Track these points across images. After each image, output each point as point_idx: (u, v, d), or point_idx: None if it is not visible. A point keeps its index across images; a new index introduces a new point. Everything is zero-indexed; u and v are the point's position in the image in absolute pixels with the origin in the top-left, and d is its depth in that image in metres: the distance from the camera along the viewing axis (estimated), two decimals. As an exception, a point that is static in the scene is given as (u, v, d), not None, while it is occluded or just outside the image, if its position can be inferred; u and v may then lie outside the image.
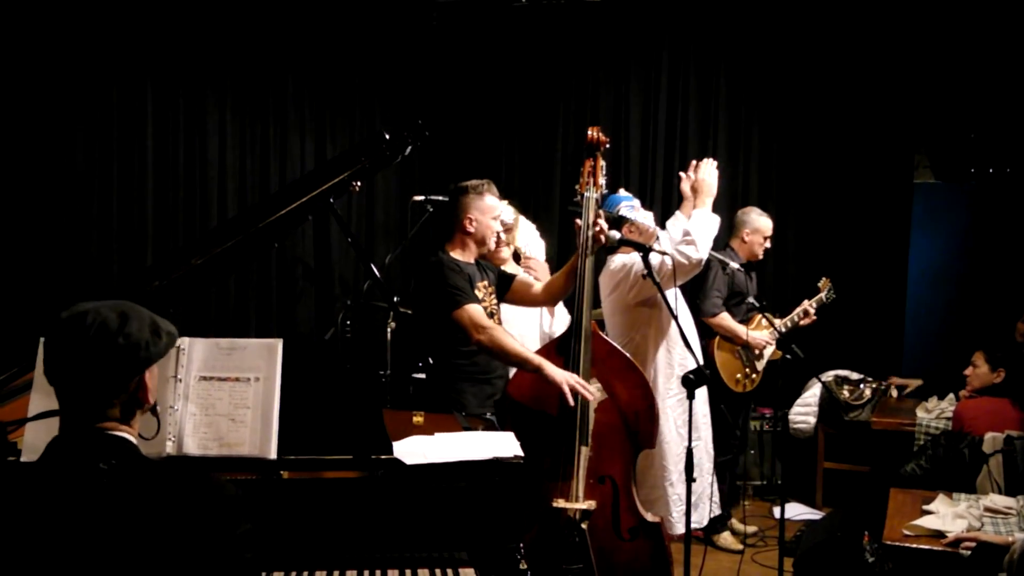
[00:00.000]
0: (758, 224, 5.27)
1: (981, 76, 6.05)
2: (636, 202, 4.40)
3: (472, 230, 3.73)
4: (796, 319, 5.34)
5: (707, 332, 5.10)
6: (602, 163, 3.75)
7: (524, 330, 4.51)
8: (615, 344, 3.76)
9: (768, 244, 5.31)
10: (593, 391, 3.43)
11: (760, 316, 5.20)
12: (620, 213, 4.25)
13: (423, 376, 5.18)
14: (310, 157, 6.08)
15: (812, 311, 5.39)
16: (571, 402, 3.36)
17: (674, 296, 4.01)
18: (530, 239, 4.96)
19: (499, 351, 3.51)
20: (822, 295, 5.52)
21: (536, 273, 4.68)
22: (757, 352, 5.20)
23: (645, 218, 4.34)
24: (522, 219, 4.95)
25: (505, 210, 4.62)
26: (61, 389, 1.75)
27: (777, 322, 5.16)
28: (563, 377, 3.37)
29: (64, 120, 4.64)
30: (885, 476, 4.93)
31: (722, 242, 5.13)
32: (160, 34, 5.07)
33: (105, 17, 4.75)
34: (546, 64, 6.80)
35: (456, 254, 3.74)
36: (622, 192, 4.49)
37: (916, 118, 6.21)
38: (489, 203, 3.75)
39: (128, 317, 1.74)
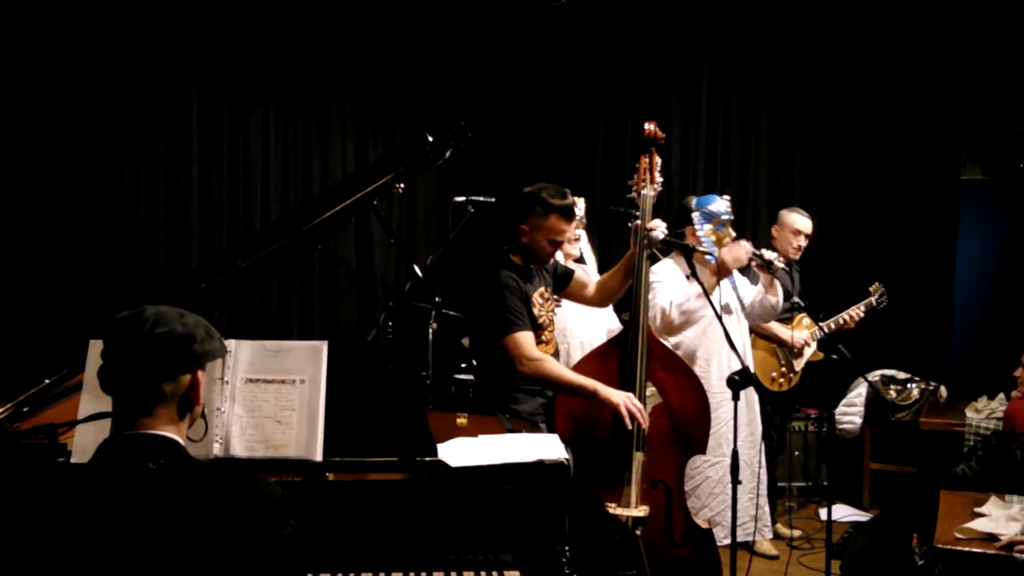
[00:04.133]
0: (786, 220, 5.15)
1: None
2: (716, 205, 4.39)
3: (525, 242, 3.57)
4: (842, 322, 5.21)
5: None
6: (658, 159, 3.65)
7: (591, 334, 4.49)
8: (670, 347, 3.72)
9: (803, 243, 5.13)
10: (646, 411, 3.38)
11: (802, 315, 5.13)
12: (697, 213, 4.28)
13: (466, 377, 5.19)
14: (352, 157, 6.12)
15: (858, 316, 5.23)
16: (628, 425, 3.32)
17: (717, 297, 3.97)
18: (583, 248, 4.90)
19: (547, 381, 3.44)
20: (872, 299, 5.37)
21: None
22: (796, 351, 5.11)
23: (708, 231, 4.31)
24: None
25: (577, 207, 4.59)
26: (116, 386, 1.78)
27: (820, 324, 5.09)
28: (621, 399, 3.31)
29: (112, 125, 4.70)
30: (934, 477, 4.85)
31: (764, 242, 5.08)
32: (204, 38, 5.12)
33: (151, 22, 4.81)
34: (586, 64, 6.77)
35: (516, 259, 3.61)
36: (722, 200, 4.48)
37: (963, 113, 6.10)
38: (551, 224, 3.52)
39: (184, 314, 1.83)
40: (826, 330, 5.12)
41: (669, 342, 4.31)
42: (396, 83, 6.38)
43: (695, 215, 4.37)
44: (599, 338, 4.48)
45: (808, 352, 5.17)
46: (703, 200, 4.47)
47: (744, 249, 4.12)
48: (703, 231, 4.30)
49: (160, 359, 1.75)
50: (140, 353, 1.74)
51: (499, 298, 3.48)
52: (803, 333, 5.11)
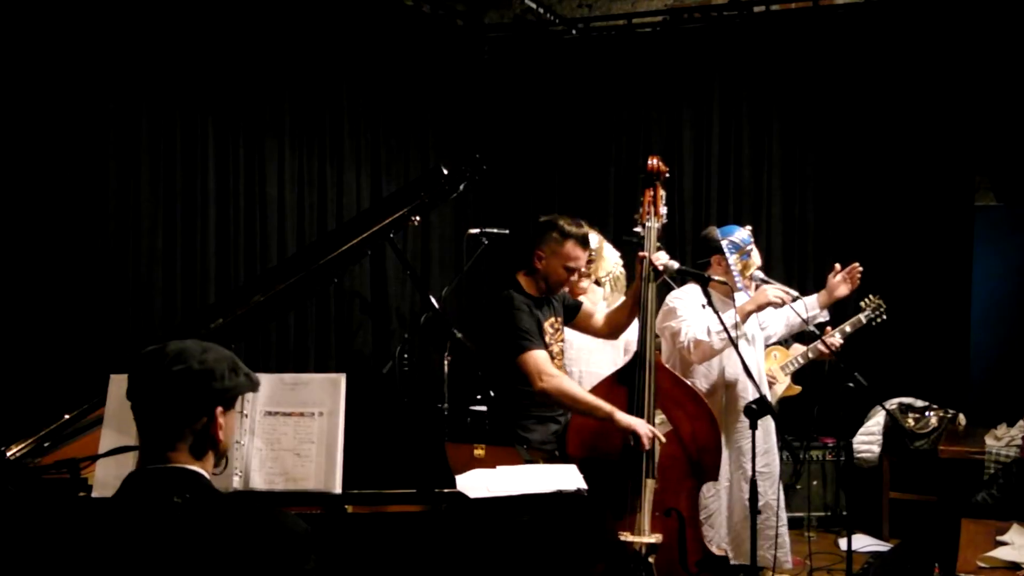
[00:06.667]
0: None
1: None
2: (741, 235, 4.38)
3: (539, 267, 3.68)
4: (812, 353, 4.97)
5: None
6: (662, 192, 3.74)
7: (600, 366, 4.47)
8: (679, 375, 3.74)
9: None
10: (660, 432, 3.41)
11: (772, 348, 5.02)
12: (724, 245, 4.27)
13: (482, 409, 5.20)
14: (366, 191, 6.16)
15: (834, 344, 4.80)
16: (646, 446, 3.35)
17: (732, 323, 3.96)
18: (613, 268, 4.82)
19: (565, 399, 3.48)
20: (862, 316, 5.01)
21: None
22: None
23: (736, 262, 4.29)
24: (606, 247, 4.78)
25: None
26: (140, 420, 1.80)
27: (793, 353, 5.02)
28: (640, 424, 3.37)
29: (130, 159, 4.74)
30: (954, 506, 4.80)
31: (777, 275, 4.99)
32: (220, 76, 5.17)
33: (166, 60, 4.86)
34: (598, 95, 6.83)
35: (526, 287, 3.70)
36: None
37: (976, 140, 6.10)
38: (567, 250, 3.64)
39: (208, 349, 1.83)
40: (802, 360, 5.01)
41: (698, 369, 4.27)
42: (410, 118, 6.45)
43: (724, 243, 4.35)
44: (601, 369, 4.48)
45: (780, 388, 5.05)
46: (726, 230, 4.47)
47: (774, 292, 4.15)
48: (731, 260, 4.31)
49: (176, 397, 1.76)
50: (157, 390, 1.76)
51: (511, 319, 3.55)
52: (777, 374, 5.00)
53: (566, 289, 3.94)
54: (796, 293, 4.20)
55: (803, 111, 6.38)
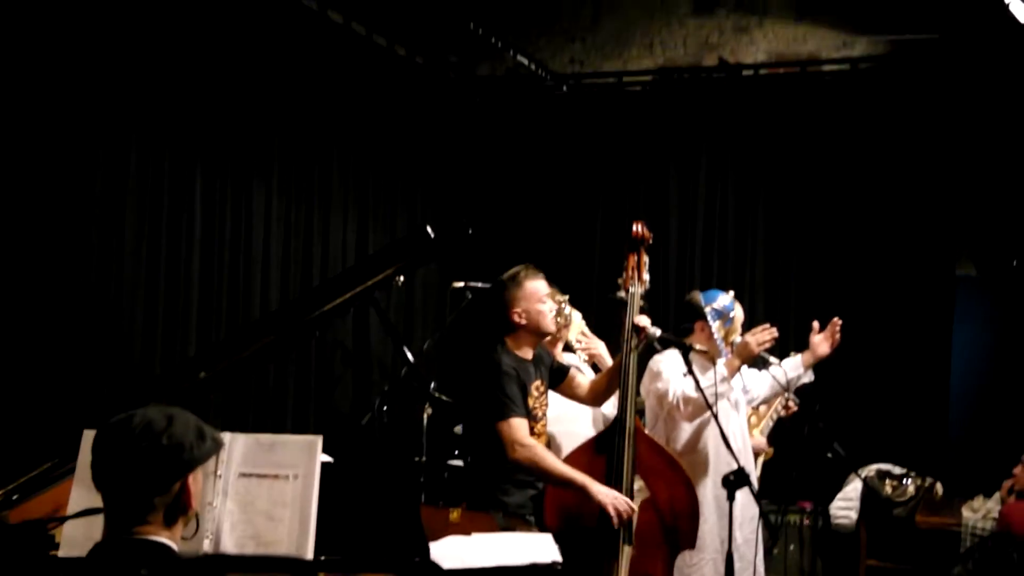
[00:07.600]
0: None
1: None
2: (724, 301, 4.33)
3: (523, 322, 3.60)
4: (775, 416, 4.93)
5: None
6: (645, 259, 3.72)
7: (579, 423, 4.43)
8: (659, 442, 3.73)
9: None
10: (633, 505, 3.39)
11: (750, 415, 5.00)
12: (709, 309, 4.22)
13: (459, 463, 5.17)
14: (352, 239, 6.16)
15: (791, 400, 4.84)
16: (615, 524, 3.32)
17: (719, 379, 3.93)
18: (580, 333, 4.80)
19: (537, 470, 3.44)
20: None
21: (596, 351, 4.55)
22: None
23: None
24: (575, 313, 4.79)
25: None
26: (107, 491, 1.77)
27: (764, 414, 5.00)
28: (610, 499, 3.33)
29: (114, 202, 4.71)
30: (930, 578, 4.79)
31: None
32: (208, 121, 5.18)
33: (155, 103, 4.87)
34: (586, 151, 6.88)
35: (514, 349, 3.63)
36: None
37: (958, 209, 6.17)
38: (531, 288, 3.61)
39: (174, 419, 1.79)
40: (771, 421, 4.99)
41: (684, 428, 4.22)
42: (398, 167, 6.48)
43: (707, 310, 4.32)
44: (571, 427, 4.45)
45: (763, 449, 5.02)
46: (709, 296, 4.42)
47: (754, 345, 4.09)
48: (714, 327, 4.28)
49: (147, 473, 1.74)
50: (127, 467, 1.74)
51: (497, 383, 3.49)
52: (759, 438, 4.97)
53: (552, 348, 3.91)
54: (774, 332, 4.12)
55: (788, 174, 6.45)
